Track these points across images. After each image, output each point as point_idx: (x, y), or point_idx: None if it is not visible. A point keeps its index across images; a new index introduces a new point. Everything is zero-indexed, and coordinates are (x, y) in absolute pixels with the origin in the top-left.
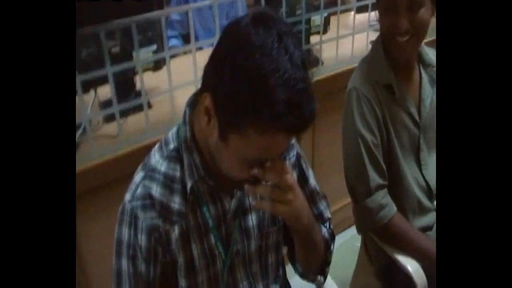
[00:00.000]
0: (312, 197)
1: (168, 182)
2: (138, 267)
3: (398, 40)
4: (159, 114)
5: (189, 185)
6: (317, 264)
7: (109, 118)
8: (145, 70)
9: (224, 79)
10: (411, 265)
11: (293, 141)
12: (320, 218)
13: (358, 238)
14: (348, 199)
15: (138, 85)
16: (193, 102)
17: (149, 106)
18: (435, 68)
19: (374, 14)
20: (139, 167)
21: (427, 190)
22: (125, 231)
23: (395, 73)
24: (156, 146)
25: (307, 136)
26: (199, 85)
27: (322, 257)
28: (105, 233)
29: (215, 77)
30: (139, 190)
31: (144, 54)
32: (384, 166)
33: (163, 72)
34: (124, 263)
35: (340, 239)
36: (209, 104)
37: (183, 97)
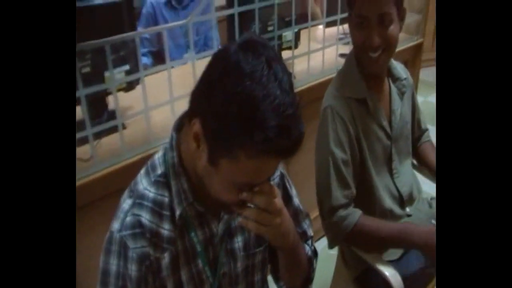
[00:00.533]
0: (296, 216)
1: (157, 209)
2: None
3: (371, 55)
4: (133, 135)
5: (178, 211)
6: (300, 281)
7: (82, 141)
8: (117, 90)
9: (214, 105)
10: (388, 270)
11: None
12: (303, 236)
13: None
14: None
15: (110, 105)
16: (179, 126)
17: (123, 126)
18: (403, 81)
19: (342, 28)
20: (126, 194)
21: (399, 198)
22: (113, 262)
23: (368, 87)
24: (142, 171)
25: None
26: (175, 105)
27: (305, 274)
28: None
29: (204, 103)
30: (128, 219)
31: (117, 74)
32: (352, 185)
33: (135, 91)
34: None
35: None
36: (199, 129)
37: (157, 116)
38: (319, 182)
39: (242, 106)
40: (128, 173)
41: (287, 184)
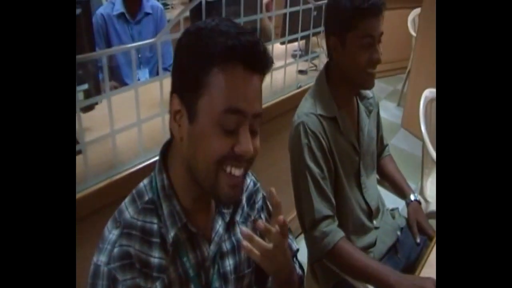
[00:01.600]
0: None
1: (146, 237)
2: None
3: (370, 71)
4: (96, 158)
5: (171, 234)
6: None
7: None
8: None
9: (177, 58)
10: (361, 284)
11: (258, 184)
12: (290, 250)
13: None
14: (293, 214)
15: None
16: (165, 150)
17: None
18: (370, 100)
19: (297, 44)
20: (110, 224)
21: (367, 211)
22: None
23: (338, 106)
24: (127, 199)
25: None
26: (143, 126)
27: None
28: None
29: (173, 71)
30: (116, 250)
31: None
32: (331, 197)
33: (94, 112)
34: None
35: None
36: (177, 103)
37: (121, 138)
38: (299, 197)
39: (199, 34)
40: (93, 201)
41: (269, 205)
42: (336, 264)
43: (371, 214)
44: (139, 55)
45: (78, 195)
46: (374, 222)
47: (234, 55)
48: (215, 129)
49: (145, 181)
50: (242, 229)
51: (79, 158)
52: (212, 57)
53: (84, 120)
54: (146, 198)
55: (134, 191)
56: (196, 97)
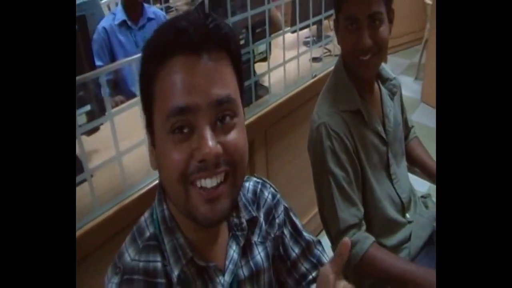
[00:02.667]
0: (308, 247)
1: (150, 280)
2: None
3: (362, 59)
4: (104, 183)
5: (175, 273)
6: None
7: None
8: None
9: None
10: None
11: (278, 196)
12: (319, 264)
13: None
14: (313, 212)
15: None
16: None
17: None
18: (392, 82)
19: (308, 31)
20: (110, 271)
21: (400, 205)
22: None
23: (360, 96)
24: (127, 240)
25: (260, 162)
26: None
27: None
28: None
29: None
30: None
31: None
32: (357, 202)
33: (100, 133)
34: None
35: None
36: (147, 133)
37: (128, 158)
38: (323, 204)
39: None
40: (103, 232)
41: (293, 217)
42: (368, 273)
43: (403, 207)
44: None
45: (87, 226)
46: (407, 215)
47: (171, 49)
48: (168, 141)
49: (146, 214)
50: None
51: (84, 186)
52: (152, 62)
53: (90, 142)
54: (147, 234)
55: (134, 228)
56: (150, 115)
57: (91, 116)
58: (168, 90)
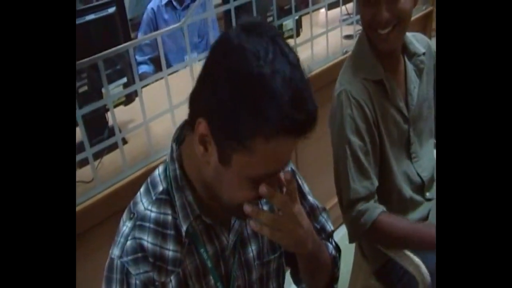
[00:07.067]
0: (312, 212)
1: (160, 229)
2: None
3: (380, 32)
4: (135, 149)
5: (184, 228)
6: (324, 282)
7: (82, 163)
8: (117, 105)
9: (220, 95)
10: (411, 263)
11: (289, 169)
12: (322, 232)
13: None
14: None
15: (110, 121)
16: (179, 137)
17: (124, 142)
18: (420, 57)
19: (345, 8)
20: (125, 216)
21: (420, 184)
22: None
23: (384, 69)
24: (142, 189)
25: None
26: (175, 113)
27: (329, 275)
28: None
29: (208, 98)
30: (128, 243)
31: (115, 89)
32: (372, 175)
33: (135, 103)
34: None
35: None
36: (205, 129)
37: (158, 127)
38: (338, 173)
39: (251, 87)
40: (130, 191)
41: (299, 180)
42: (379, 240)
43: (423, 186)
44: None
45: (117, 185)
46: (427, 194)
47: (285, 131)
48: (245, 182)
49: (160, 168)
50: (244, 207)
51: (117, 152)
52: (260, 126)
53: (126, 113)
54: (160, 188)
55: (148, 180)
56: (232, 148)
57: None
58: (270, 158)
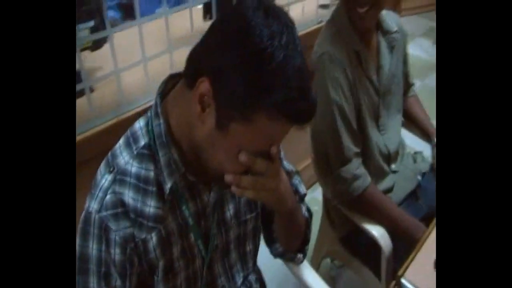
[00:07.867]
0: (287, 175)
1: (141, 185)
2: (111, 285)
3: (359, 11)
4: (103, 98)
5: (168, 185)
6: (298, 243)
7: None
8: (82, 49)
9: (232, 62)
10: (377, 231)
11: None
12: (296, 194)
13: (317, 202)
14: (306, 162)
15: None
16: (164, 91)
17: (91, 90)
18: (393, 35)
19: None
20: (103, 168)
21: (387, 155)
22: (93, 246)
23: (359, 41)
24: (122, 141)
25: None
26: (148, 64)
27: (302, 236)
28: None
29: (217, 60)
30: (108, 197)
31: (80, 32)
32: (357, 133)
33: (103, 51)
34: (93, 282)
35: None
36: (207, 89)
37: (129, 77)
38: (323, 135)
39: (265, 64)
40: (99, 141)
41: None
42: (366, 210)
43: (389, 157)
44: None
45: (84, 135)
46: (393, 166)
47: (287, 116)
48: (235, 152)
49: (141, 121)
50: (225, 177)
51: (83, 99)
52: (265, 103)
53: (93, 59)
54: (142, 142)
55: (129, 132)
56: (232, 115)
57: (94, 32)
58: (268, 137)
